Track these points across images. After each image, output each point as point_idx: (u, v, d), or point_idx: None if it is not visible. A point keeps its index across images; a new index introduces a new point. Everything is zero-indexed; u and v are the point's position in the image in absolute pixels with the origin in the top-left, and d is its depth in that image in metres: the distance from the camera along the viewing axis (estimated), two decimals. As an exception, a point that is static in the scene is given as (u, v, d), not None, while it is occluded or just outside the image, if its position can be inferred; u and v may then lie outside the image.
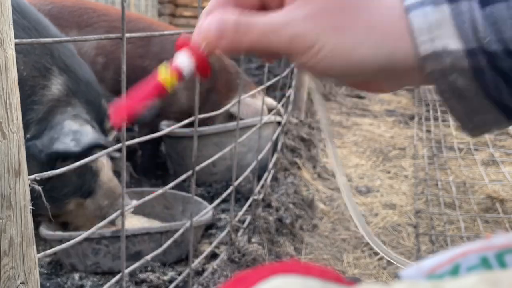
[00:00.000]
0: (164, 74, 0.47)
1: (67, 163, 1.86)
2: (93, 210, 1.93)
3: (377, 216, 2.70)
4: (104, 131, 1.94)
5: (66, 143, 1.71)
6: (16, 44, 0.84)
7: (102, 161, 1.93)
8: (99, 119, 1.92)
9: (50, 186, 1.72)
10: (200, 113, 1.52)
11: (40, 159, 1.71)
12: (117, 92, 1.66)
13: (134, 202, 1.91)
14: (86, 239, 1.63)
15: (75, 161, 1.85)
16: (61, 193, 1.85)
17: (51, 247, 1.87)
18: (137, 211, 2.19)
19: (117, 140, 1.88)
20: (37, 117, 1.75)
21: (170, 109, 2.91)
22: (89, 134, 1.77)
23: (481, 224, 2.61)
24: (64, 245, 1.09)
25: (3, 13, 0.77)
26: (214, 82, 2.97)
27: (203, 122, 2.79)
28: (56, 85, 1.82)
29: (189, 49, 0.47)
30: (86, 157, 1.82)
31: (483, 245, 0.24)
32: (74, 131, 1.75)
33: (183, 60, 0.47)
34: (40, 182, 0.96)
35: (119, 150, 1.19)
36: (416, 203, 2.89)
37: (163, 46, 2.87)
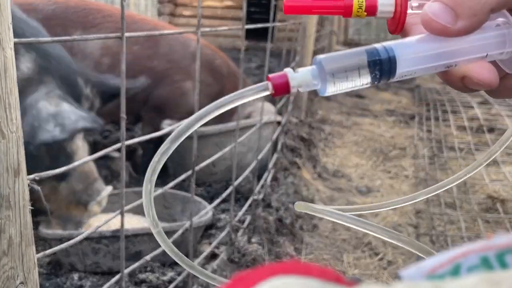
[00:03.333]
0: None
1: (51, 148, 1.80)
2: (67, 195, 1.86)
3: (378, 216, 2.70)
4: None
5: (50, 131, 1.63)
6: (15, 44, 0.84)
7: (78, 144, 1.85)
8: (75, 96, 1.82)
9: None
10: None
11: (28, 151, 1.66)
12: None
13: (109, 188, 1.89)
14: (86, 239, 1.63)
15: (60, 145, 1.80)
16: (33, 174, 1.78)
17: (51, 247, 1.86)
18: (137, 211, 2.18)
19: (117, 139, 1.86)
20: None
21: (178, 109, 2.92)
22: (71, 116, 1.68)
23: (481, 224, 2.60)
24: (64, 245, 1.09)
25: (2, 13, 0.77)
26: (223, 86, 3.01)
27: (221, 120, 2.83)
28: (25, 63, 1.73)
29: None
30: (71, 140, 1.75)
31: (484, 245, 0.24)
32: (53, 114, 1.66)
33: None
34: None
35: (119, 149, 1.19)
36: (416, 203, 2.88)
37: (171, 47, 2.89)
